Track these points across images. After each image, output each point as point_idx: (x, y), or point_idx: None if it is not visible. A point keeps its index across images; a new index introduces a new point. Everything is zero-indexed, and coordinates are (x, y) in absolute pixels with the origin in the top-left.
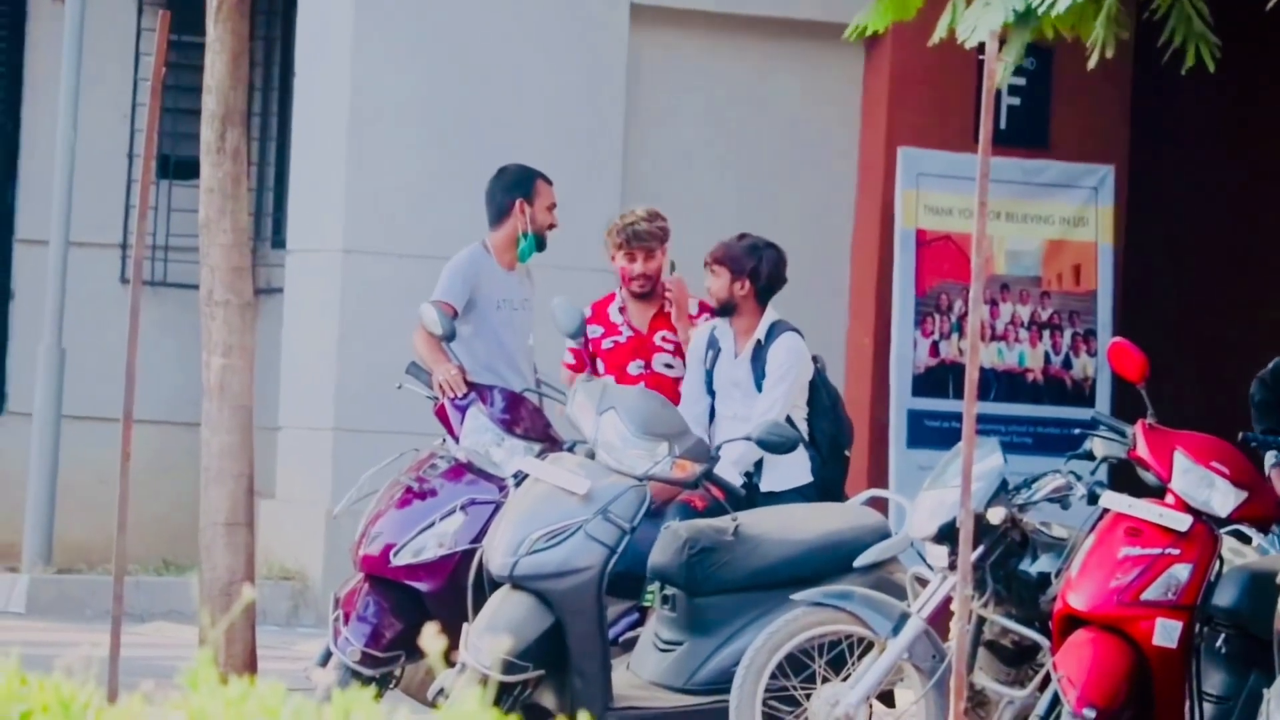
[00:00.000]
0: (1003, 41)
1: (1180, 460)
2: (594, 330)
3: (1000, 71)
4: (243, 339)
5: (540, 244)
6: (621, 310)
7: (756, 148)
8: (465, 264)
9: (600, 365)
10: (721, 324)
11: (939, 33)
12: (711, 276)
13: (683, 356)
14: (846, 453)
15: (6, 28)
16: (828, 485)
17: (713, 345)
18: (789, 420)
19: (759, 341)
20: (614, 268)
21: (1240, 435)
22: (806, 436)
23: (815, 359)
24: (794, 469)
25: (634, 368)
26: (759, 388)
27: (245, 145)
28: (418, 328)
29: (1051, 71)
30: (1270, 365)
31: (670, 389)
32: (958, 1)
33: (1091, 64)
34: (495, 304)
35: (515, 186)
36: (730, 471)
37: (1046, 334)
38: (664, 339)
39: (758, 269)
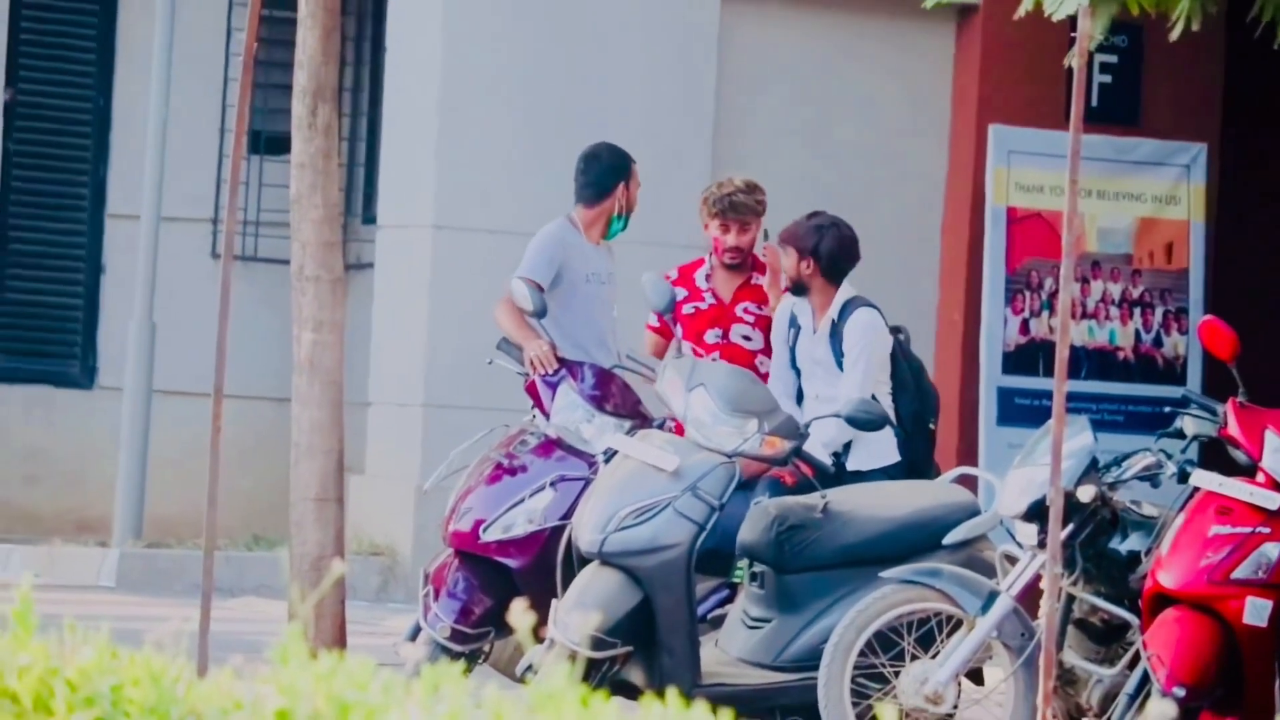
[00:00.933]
0: (1090, 15)
1: (1271, 439)
2: (679, 293)
3: (1088, 46)
4: (333, 314)
5: (626, 223)
6: (708, 277)
7: (846, 125)
8: (553, 239)
9: (679, 330)
10: (800, 302)
11: (1025, 6)
12: (783, 255)
13: (764, 329)
14: (931, 425)
15: (99, 3)
16: (914, 461)
17: (793, 324)
18: (873, 397)
19: (834, 320)
20: (707, 236)
21: None
22: (891, 413)
23: (898, 330)
24: (880, 447)
25: (711, 336)
26: (839, 366)
27: (336, 121)
28: (500, 302)
29: (1143, 48)
30: None
31: (746, 360)
32: None
33: (1174, 36)
34: (584, 278)
35: (619, 169)
36: (820, 452)
37: (1137, 312)
38: (745, 310)
39: (818, 247)
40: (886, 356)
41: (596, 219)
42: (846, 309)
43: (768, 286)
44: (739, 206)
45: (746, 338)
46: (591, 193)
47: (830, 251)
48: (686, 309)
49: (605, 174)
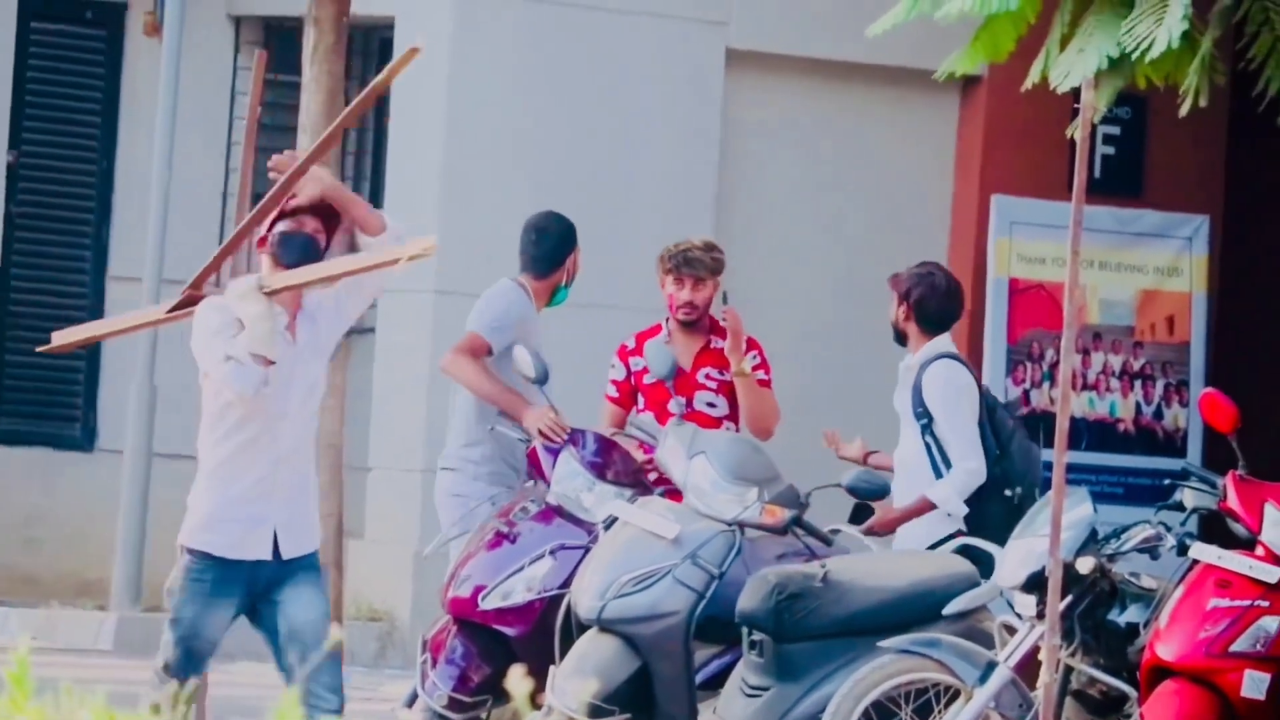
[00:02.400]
0: (1095, 87)
1: (1271, 512)
2: (636, 363)
3: (1092, 118)
4: (334, 379)
5: (568, 291)
6: (666, 344)
7: (850, 193)
8: (516, 308)
9: (641, 400)
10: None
11: (1032, 78)
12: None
13: (727, 394)
14: (1008, 491)
15: (104, 65)
16: (981, 521)
17: None
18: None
19: (917, 371)
20: (663, 295)
21: None
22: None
23: (1007, 405)
24: (930, 520)
25: (674, 405)
26: (915, 417)
27: None
28: (455, 354)
29: (1146, 120)
30: None
31: (712, 428)
32: (1051, 47)
33: (1184, 111)
34: (537, 346)
35: (569, 239)
36: (954, 504)
37: (1138, 384)
38: (707, 376)
39: (909, 293)
40: (970, 411)
41: (547, 288)
42: (927, 363)
43: (728, 350)
44: (694, 262)
45: (711, 404)
46: (545, 266)
47: (920, 299)
48: (648, 379)
49: (558, 246)
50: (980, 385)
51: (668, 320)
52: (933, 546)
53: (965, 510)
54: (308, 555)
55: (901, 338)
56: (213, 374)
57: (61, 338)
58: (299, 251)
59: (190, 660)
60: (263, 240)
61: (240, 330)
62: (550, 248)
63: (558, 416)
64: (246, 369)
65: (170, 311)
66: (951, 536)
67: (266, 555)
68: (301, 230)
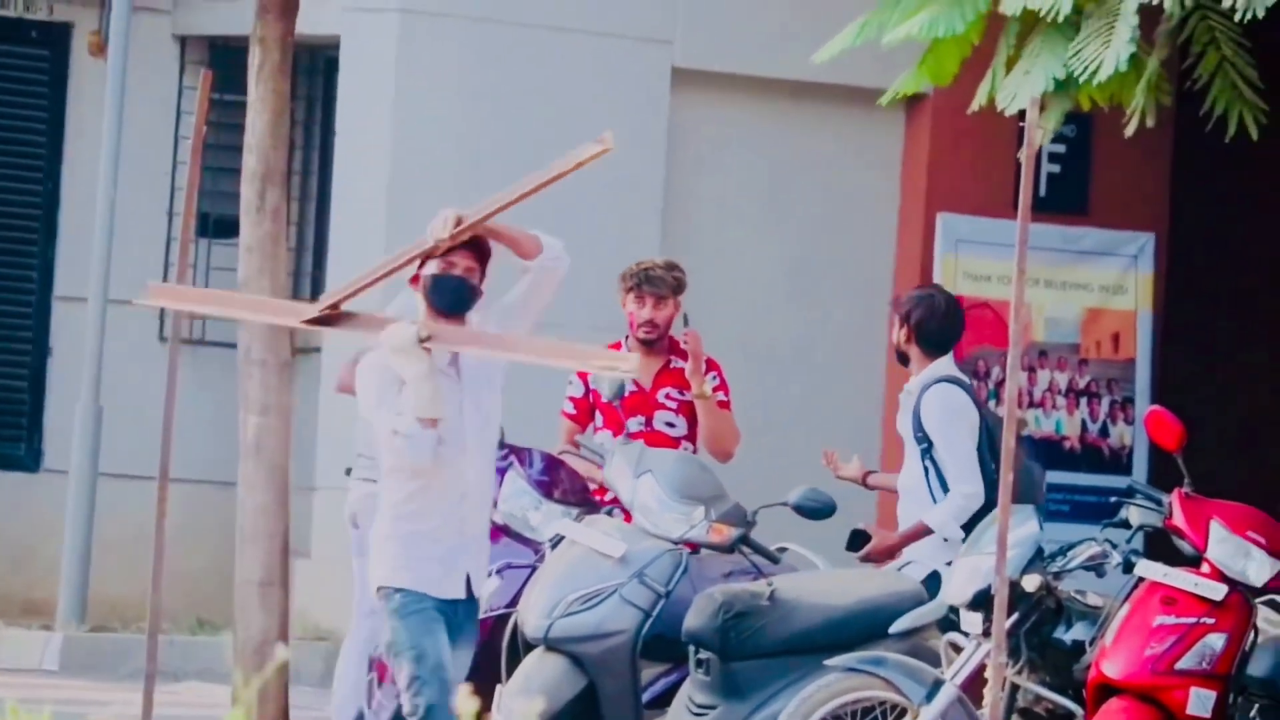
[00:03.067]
0: (1042, 108)
1: (1216, 530)
2: (628, 382)
3: (1039, 138)
4: (280, 398)
5: None
6: None
7: (796, 212)
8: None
9: (599, 418)
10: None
11: (979, 100)
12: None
13: (687, 415)
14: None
15: (48, 84)
16: None
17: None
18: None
19: (918, 394)
20: (624, 313)
21: None
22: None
23: (1021, 427)
24: (928, 549)
25: (634, 424)
26: (916, 440)
27: (285, 204)
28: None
29: (1091, 138)
30: None
31: (671, 448)
32: (998, 69)
33: (1129, 131)
34: None
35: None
36: (950, 529)
37: (1084, 401)
38: (668, 396)
39: (910, 314)
40: (967, 434)
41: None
42: (927, 385)
43: (690, 373)
44: (655, 280)
45: (670, 424)
46: None
47: (920, 320)
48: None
49: None
50: (982, 407)
51: (627, 339)
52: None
53: (962, 535)
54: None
55: (905, 360)
56: (385, 446)
57: (159, 296)
58: (452, 295)
59: (444, 694)
60: (415, 278)
61: (401, 387)
62: None
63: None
64: (416, 439)
65: (306, 321)
66: None
67: (461, 595)
68: (452, 272)
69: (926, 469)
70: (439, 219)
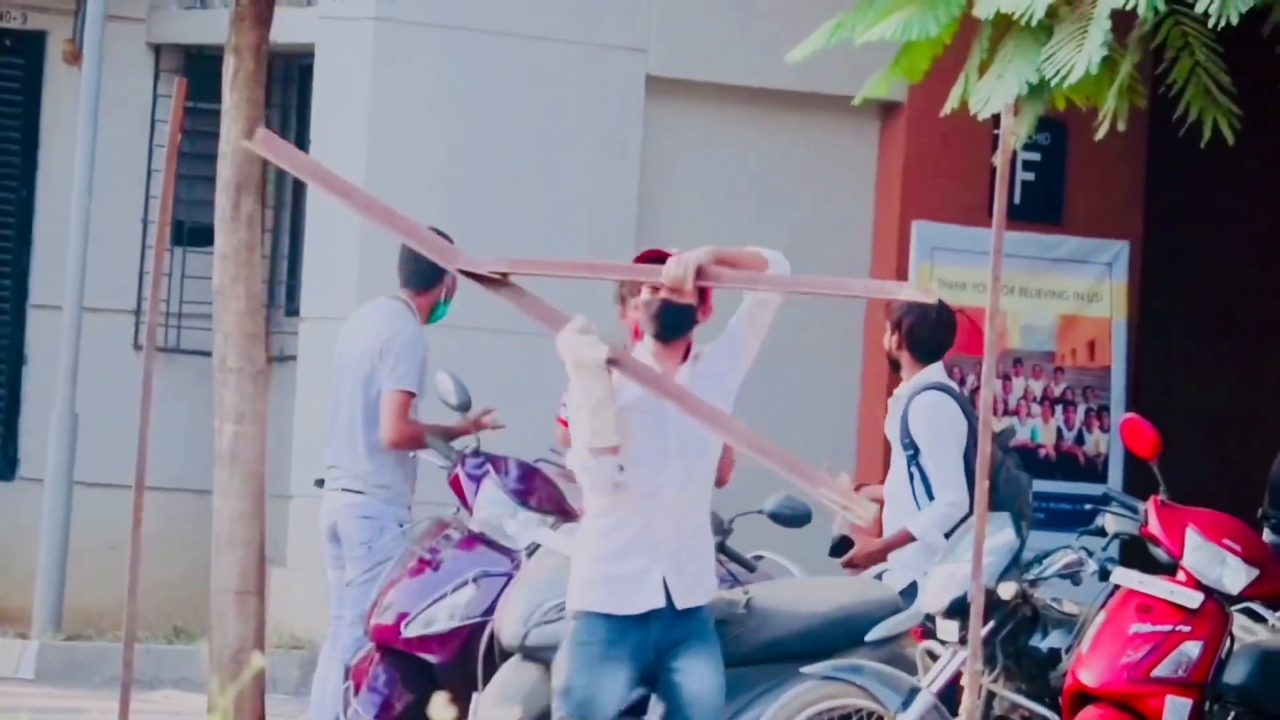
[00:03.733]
0: (1015, 112)
1: (1192, 537)
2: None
3: (1012, 143)
4: (255, 406)
5: (449, 307)
6: None
7: (771, 220)
8: (422, 344)
9: None
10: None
11: (951, 103)
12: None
13: None
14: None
15: (23, 93)
16: None
17: None
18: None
19: (905, 401)
20: (624, 325)
21: (1259, 512)
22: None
23: (1002, 432)
24: (907, 558)
25: None
26: (904, 447)
27: (260, 212)
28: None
29: (1066, 147)
30: None
31: None
32: (970, 73)
33: (1100, 134)
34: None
35: None
36: (934, 534)
37: (1059, 409)
38: None
39: (900, 321)
40: (954, 442)
41: (427, 305)
42: (916, 393)
43: None
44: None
45: None
46: (421, 280)
47: (912, 327)
48: None
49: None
50: (972, 416)
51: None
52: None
53: (944, 543)
54: (702, 613)
55: (896, 366)
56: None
57: (270, 145)
58: (676, 322)
59: None
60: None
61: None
62: (427, 262)
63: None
64: (596, 471)
65: (461, 271)
66: None
67: (659, 603)
68: (682, 301)
69: (911, 475)
70: (679, 265)
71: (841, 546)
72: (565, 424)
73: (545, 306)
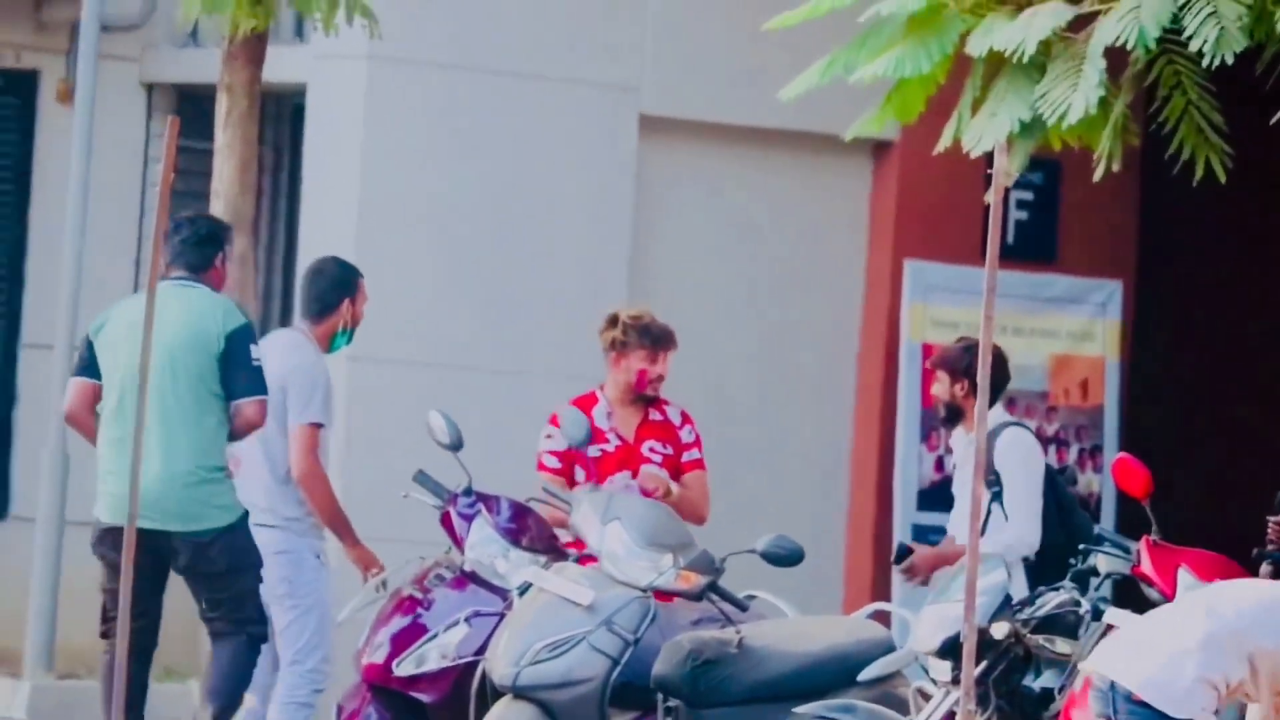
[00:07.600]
0: (1008, 152)
1: (1184, 577)
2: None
3: (1004, 181)
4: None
5: (351, 337)
6: (609, 415)
7: (764, 258)
8: (325, 373)
9: (581, 474)
10: (956, 434)
11: (944, 142)
12: (935, 382)
13: (671, 468)
14: (1073, 561)
15: (15, 131)
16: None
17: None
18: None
19: (994, 439)
20: (625, 367)
21: (1255, 551)
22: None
23: (1063, 469)
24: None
25: (620, 479)
26: (987, 485)
27: (252, 251)
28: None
29: (1059, 186)
30: None
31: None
32: (963, 111)
33: (1098, 176)
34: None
35: (345, 284)
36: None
37: (1052, 449)
38: (651, 449)
39: (970, 368)
40: (1037, 480)
41: (324, 334)
42: (997, 430)
43: (651, 483)
44: (665, 336)
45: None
46: (317, 308)
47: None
48: (593, 451)
49: (330, 289)
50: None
51: (602, 389)
52: None
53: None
54: None
55: (955, 416)
56: None
57: None
58: None
59: None
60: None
61: None
62: (322, 289)
63: (374, 563)
64: None
65: None
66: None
67: None
68: None
69: (990, 511)
70: None
71: (902, 553)
72: (555, 473)
73: None
